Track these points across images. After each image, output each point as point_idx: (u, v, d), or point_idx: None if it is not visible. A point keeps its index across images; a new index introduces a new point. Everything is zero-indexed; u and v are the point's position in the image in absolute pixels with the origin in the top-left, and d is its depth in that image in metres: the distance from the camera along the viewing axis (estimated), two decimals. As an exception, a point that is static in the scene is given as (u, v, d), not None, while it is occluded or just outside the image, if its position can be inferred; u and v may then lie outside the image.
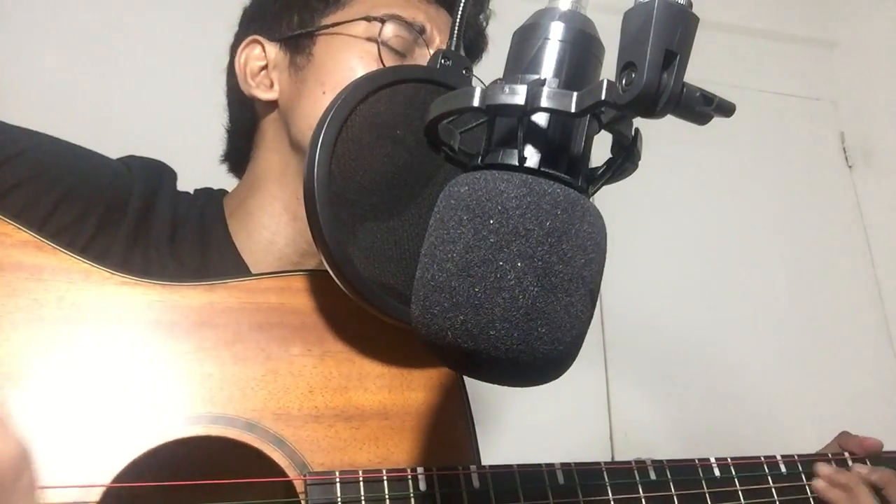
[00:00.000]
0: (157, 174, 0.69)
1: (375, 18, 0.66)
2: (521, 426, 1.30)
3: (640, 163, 0.42)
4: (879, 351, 1.64)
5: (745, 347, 1.51)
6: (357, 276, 0.52)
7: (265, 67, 0.70)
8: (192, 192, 0.73)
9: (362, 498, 0.51)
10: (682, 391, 1.45)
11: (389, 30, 0.66)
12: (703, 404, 1.44)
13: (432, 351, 0.38)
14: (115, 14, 1.26)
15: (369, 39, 0.66)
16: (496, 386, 0.39)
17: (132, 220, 0.63)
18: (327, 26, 0.67)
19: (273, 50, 0.70)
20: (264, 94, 0.69)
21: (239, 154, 0.76)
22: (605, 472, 0.58)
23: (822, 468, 0.66)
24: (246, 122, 0.74)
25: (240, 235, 0.69)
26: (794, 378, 1.52)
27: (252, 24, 0.73)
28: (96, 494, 0.47)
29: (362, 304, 0.53)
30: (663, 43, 0.33)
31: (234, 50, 0.74)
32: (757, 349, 1.52)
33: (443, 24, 0.70)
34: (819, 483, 0.66)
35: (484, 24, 0.76)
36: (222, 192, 0.75)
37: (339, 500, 0.50)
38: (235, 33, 0.76)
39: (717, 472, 0.63)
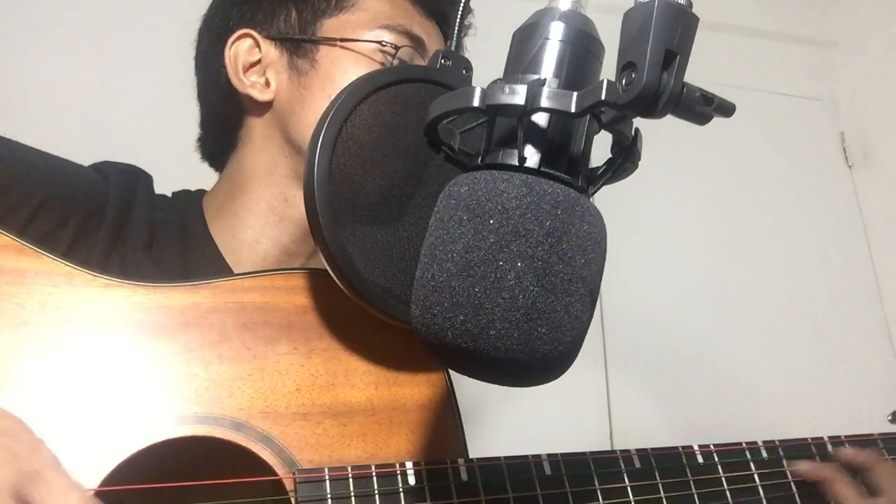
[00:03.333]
0: (132, 179, 0.68)
1: (389, 44, 0.65)
2: (520, 426, 1.30)
3: (640, 163, 0.42)
4: (879, 351, 1.64)
5: (745, 347, 1.51)
6: (357, 276, 0.52)
7: (257, 63, 0.68)
8: (169, 194, 0.72)
9: (352, 494, 0.51)
10: (682, 391, 1.45)
11: (402, 54, 0.66)
12: (703, 404, 1.44)
13: (432, 351, 0.37)
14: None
15: (374, 55, 0.66)
16: (496, 386, 0.39)
17: (109, 227, 0.62)
18: (333, 39, 0.66)
19: (268, 47, 0.68)
20: (260, 95, 0.68)
21: (218, 142, 0.74)
22: (591, 462, 0.59)
23: (800, 466, 0.66)
24: (230, 114, 0.71)
25: (224, 236, 0.68)
26: (794, 378, 1.52)
27: (240, 10, 0.70)
28: None
29: (362, 304, 0.53)
30: (663, 43, 0.33)
31: (215, 30, 0.71)
32: (757, 349, 1.52)
33: (434, 37, 0.70)
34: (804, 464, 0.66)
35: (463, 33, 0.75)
36: (200, 193, 0.74)
37: (328, 496, 0.50)
38: (211, 8, 0.73)
39: (700, 459, 0.64)
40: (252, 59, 0.69)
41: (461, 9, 0.51)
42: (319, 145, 0.51)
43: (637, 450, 0.61)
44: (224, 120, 0.72)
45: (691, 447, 0.64)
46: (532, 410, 1.30)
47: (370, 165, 0.54)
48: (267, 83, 0.68)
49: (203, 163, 0.78)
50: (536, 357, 0.35)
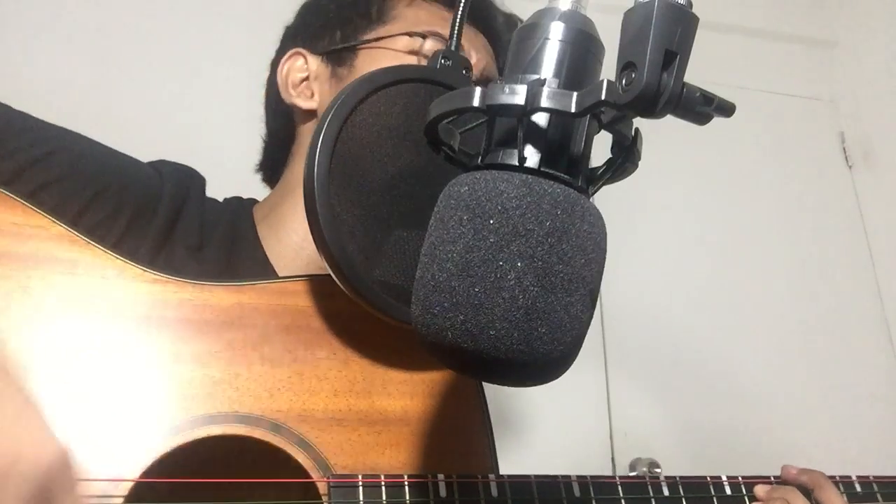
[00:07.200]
0: (187, 179, 0.70)
1: (417, 34, 0.67)
2: (521, 426, 1.30)
3: (640, 163, 0.42)
4: (879, 351, 1.64)
5: (744, 347, 1.51)
6: (357, 276, 0.52)
7: (306, 79, 0.72)
8: (220, 199, 0.74)
9: (384, 502, 0.51)
10: (681, 391, 1.45)
11: (430, 45, 0.67)
12: (702, 404, 1.44)
13: (432, 351, 0.38)
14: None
15: (410, 53, 0.68)
16: (496, 386, 0.39)
17: (161, 223, 0.63)
18: (369, 41, 0.69)
19: (315, 62, 0.72)
20: (304, 103, 0.71)
21: (274, 164, 0.78)
22: (619, 487, 0.59)
23: (759, 488, 0.66)
24: (283, 131, 0.75)
25: (269, 240, 0.69)
26: (794, 378, 1.52)
27: (294, 39, 0.75)
28: (124, 489, 0.47)
29: (362, 304, 0.53)
30: (663, 43, 0.33)
31: (275, 63, 0.76)
32: (757, 349, 1.52)
33: (479, 44, 0.72)
34: None
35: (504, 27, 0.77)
36: (251, 201, 0.76)
37: (361, 502, 0.51)
38: (276, 49, 0.78)
39: (728, 490, 0.64)
40: (301, 76, 0.72)
41: (461, 9, 0.51)
42: (320, 145, 0.51)
43: (666, 477, 0.62)
44: (281, 140, 0.76)
45: (719, 477, 0.64)
46: (532, 410, 1.30)
47: (370, 165, 0.54)
48: (312, 94, 0.71)
49: (255, 174, 0.81)
50: (536, 357, 0.35)
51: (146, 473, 0.48)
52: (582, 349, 0.37)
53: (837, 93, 1.85)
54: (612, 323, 1.46)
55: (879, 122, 1.76)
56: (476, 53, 0.70)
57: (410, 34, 0.67)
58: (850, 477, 0.70)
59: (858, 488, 0.70)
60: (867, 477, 0.71)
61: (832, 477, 0.69)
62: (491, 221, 0.35)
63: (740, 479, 0.65)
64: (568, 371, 0.37)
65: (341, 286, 0.53)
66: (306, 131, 0.73)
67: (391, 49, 0.68)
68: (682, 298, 1.52)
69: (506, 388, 0.40)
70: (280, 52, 0.76)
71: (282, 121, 0.75)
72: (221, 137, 0.96)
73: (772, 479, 0.67)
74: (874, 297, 1.68)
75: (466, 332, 0.34)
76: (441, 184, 0.39)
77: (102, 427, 0.49)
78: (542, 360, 0.35)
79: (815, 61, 1.87)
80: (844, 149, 1.80)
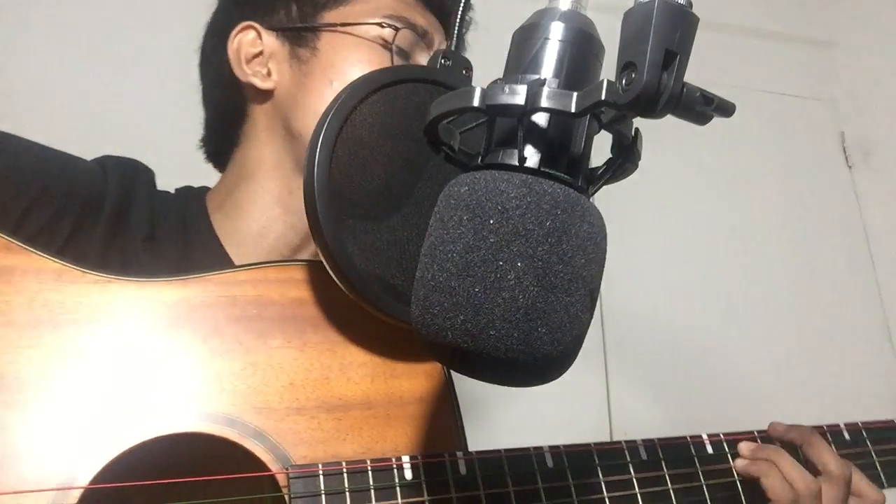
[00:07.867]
0: (132, 173, 0.68)
1: (390, 25, 0.65)
2: (521, 426, 1.30)
3: (640, 163, 0.42)
4: (879, 351, 1.64)
5: (745, 347, 1.51)
6: (357, 277, 0.52)
7: (259, 55, 0.69)
8: (172, 191, 0.72)
9: (346, 489, 0.50)
10: (682, 391, 1.45)
11: (403, 37, 0.66)
12: (703, 404, 1.44)
13: (432, 351, 0.38)
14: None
15: (376, 40, 0.66)
16: (496, 386, 0.39)
17: (107, 219, 0.62)
18: (334, 24, 0.66)
19: (270, 38, 0.69)
20: (262, 83, 0.68)
21: (221, 140, 0.74)
22: (595, 454, 0.57)
23: (743, 446, 0.62)
24: (232, 108, 0.72)
25: (226, 228, 0.68)
26: (794, 378, 1.52)
27: (241, 9, 0.71)
28: (74, 497, 0.46)
29: (363, 304, 0.53)
30: (663, 43, 0.33)
31: (218, 32, 0.72)
32: (757, 349, 1.52)
33: (437, 32, 0.70)
34: (739, 461, 0.62)
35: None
36: (204, 189, 0.74)
37: (322, 492, 0.49)
38: (214, 13, 0.74)
39: (709, 449, 0.61)
40: (254, 51, 0.69)
41: (461, 9, 0.51)
42: (320, 144, 0.51)
43: (643, 440, 0.59)
44: (228, 116, 0.72)
45: (700, 437, 0.62)
46: (532, 410, 1.30)
47: (370, 165, 0.54)
48: (269, 73, 0.68)
49: (207, 163, 0.78)
50: (536, 357, 0.35)
51: (98, 478, 0.47)
52: (582, 349, 0.37)
53: (837, 93, 1.85)
54: (612, 323, 1.46)
55: (879, 122, 1.76)
56: (437, 37, 0.69)
57: (382, 24, 0.65)
58: (838, 425, 0.67)
59: (847, 436, 0.67)
60: (856, 424, 0.68)
61: (819, 427, 0.66)
62: (491, 221, 0.35)
63: (722, 436, 0.62)
64: (568, 371, 0.37)
65: (341, 286, 0.53)
66: (261, 113, 0.69)
67: (359, 37, 0.66)
68: (682, 298, 1.52)
69: (505, 388, 0.40)
70: (224, 20, 0.72)
71: (230, 96, 0.71)
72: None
73: (755, 434, 0.64)
74: (874, 297, 1.68)
75: (466, 332, 0.34)
76: (441, 184, 0.39)
77: (47, 435, 0.47)
78: (542, 360, 0.35)
79: (815, 61, 1.87)
80: (844, 149, 1.80)
